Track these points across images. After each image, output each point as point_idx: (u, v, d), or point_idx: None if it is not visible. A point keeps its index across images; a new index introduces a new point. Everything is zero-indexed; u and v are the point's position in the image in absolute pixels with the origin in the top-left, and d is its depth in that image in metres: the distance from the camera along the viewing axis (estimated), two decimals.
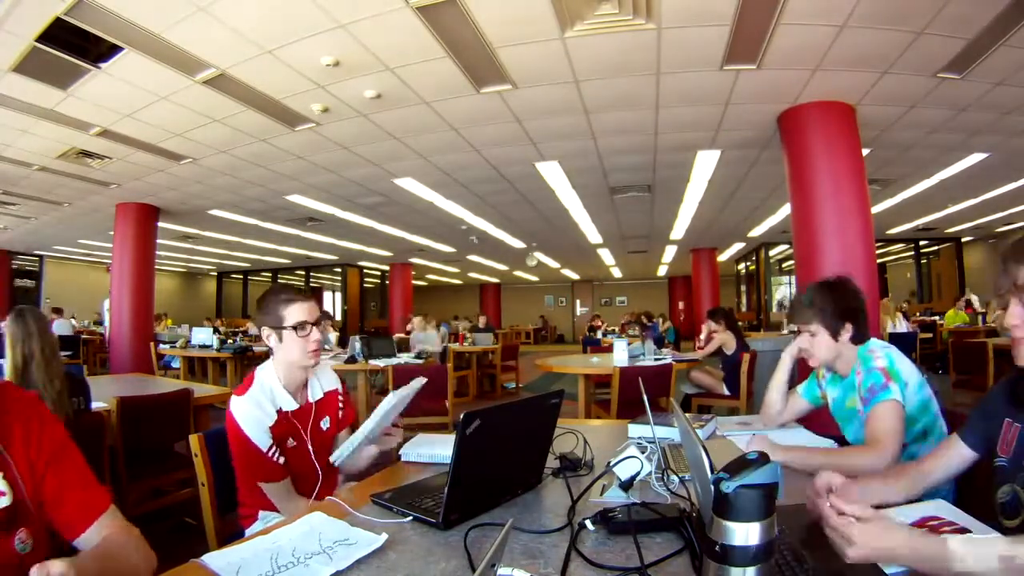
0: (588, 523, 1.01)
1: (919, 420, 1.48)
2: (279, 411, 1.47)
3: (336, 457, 1.45)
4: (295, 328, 1.49)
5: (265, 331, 1.52)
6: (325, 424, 1.60)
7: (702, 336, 5.39)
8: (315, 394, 1.61)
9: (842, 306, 1.58)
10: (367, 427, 1.42)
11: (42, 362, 2.00)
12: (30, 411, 0.89)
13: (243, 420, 1.41)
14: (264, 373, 1.51)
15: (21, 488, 0.83)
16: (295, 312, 1.50)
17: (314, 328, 1.52)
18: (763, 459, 0.70)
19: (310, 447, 1.54)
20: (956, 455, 1.16)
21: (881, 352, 1.53)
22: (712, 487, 0.70)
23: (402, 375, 4.37)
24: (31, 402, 0.91)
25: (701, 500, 1.03)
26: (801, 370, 1.81)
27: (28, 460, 0.85)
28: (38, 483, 0.86)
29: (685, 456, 1.49)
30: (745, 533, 0.66)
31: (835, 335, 1.59)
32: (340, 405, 1.68)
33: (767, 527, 0.67)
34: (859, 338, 1.59)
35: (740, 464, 0.70)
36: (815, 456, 1.41)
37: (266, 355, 1.56)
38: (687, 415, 1.29)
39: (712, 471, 0.67)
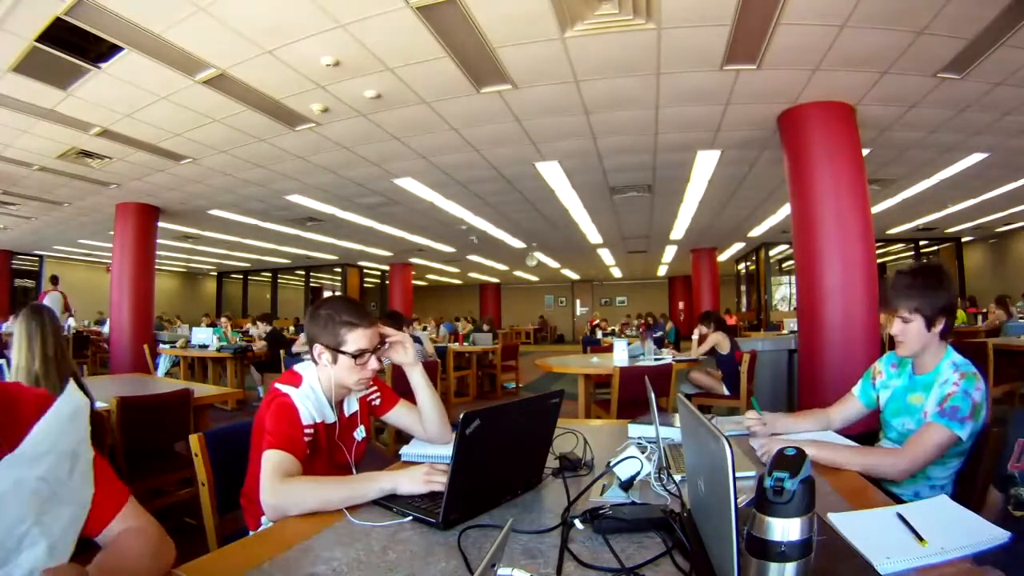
0: (577, 522, 1.01)
1: (957, 449, 1.47)
2: (320, 423, 1.40)
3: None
4: (354, 356, 1.39)
5: (318, 348, 1.41)
6: (360, 435, 1.53)
7: (695, 337, 5.43)
8: (351, 406, 1.52)
9: (944, 298, 1.53)
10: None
11: (54, 362, 1.99)
12: (40, 412, 0.85)
13: (296, 398, 1.35)
14: (311, 379, 1.41)
15: None
16: (358, 339, 1.40)
17: (372, 356, 1.42)
18: (801, 454, 0.71)
19: (351, 462, 1.48)
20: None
21: (982, 384, 1.47)
22: (757, 483, 0.71)
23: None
24: (41, 401, 0.86)
25: (692, 499, 1.03)
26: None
27: None
28: None
29: (683, 454, 1.49)
30: (794, 528, 0.68)
31: (930, 326, 1.53)
32: (371, 400, 1.59)
33: (810, 521, 0.69)
34: (945, 334, 1.56)
35: (789, 460, 0.71)
36: (840, 453, 1.41)
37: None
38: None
39: (733, 465, 0.67)
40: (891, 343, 1.64)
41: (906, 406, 1.60)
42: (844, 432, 1.73)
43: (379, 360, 1.45)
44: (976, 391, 1.44)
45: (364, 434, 1.55)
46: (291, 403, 1.34)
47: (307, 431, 1.34)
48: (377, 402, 1.62)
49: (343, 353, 1.39)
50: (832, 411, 1.79)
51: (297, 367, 1.47)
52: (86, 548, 0.88)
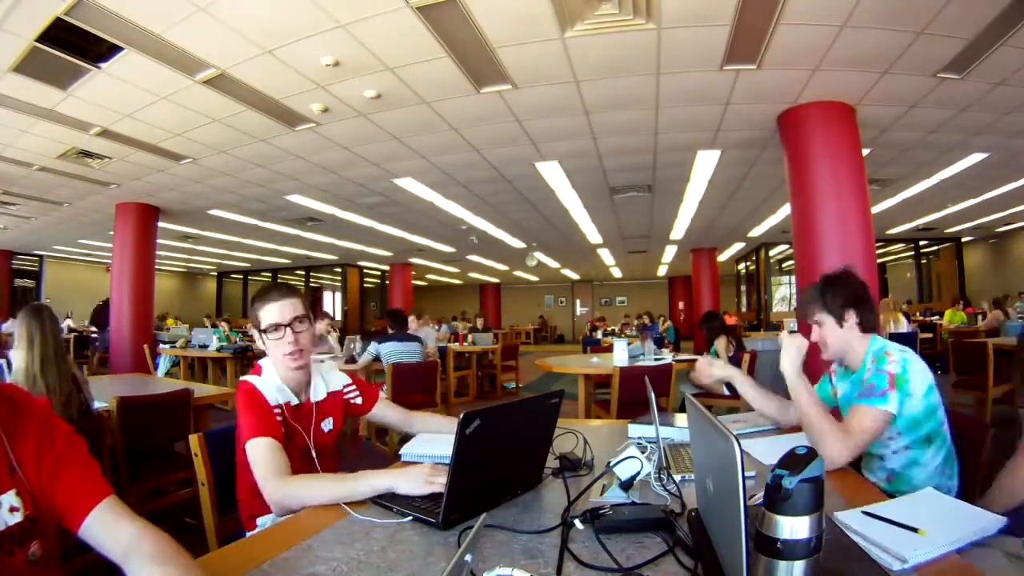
0: (577, 522, 1.01)
1: (924, 425, 1.47)
2: (287, 404, 1.46)
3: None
4: (266, 332, 1.44)
5: (255, 334, 1.51)
6: (327, 426, 1.55)
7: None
8: (318, 394, 1.55)
9: (844, 293, 1.60)
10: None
11: (54, 363, 1.98)
12: (42, 421, 0.90)
13: (258, 383, 1.42)
14: (268, 368, 1.50)
15: (33, 502, 0.84)
16: (267, 314, 1.45)
17: (288, 330, 1.44)
18: (812, 454, 0.72)
19: (312, 449, 1.49)
20: None
21: (897, 356, 1.49)
22: (767, 482, 0.71)
23: (403, 374, 4.37)
24: (43, 410, 0.92)
25: (700, 499, 1.03)
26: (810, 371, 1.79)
27: (39, 473, 0.86)
28: (48, 491, 0.86)
29: (691, 453, 1.49)
30: (804, 526, 0.68)
31: (840, 322, 1.60)
32: (349, 397, 1.64)
33: (818, 520, 0.69)
34: (865, 326, 1.60)
35: (795, 459, 0.71)
36: (807, 407, 1.47)
37: (264, 354, 1.54)
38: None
39: (743, 464, 0.68)
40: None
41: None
42: None
43: (295, 333, 1.44)
44: (891, 364, 1.47)
45: (332, 426, 1.57)
46: (255, 388, 1.41)
47: (276, 412, 1.40)
48: (358, 400, 1.65)
49: (261, 332, 1.46)
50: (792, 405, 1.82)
51: (260, 360, 1.53)
52: (76, 550, 0.88)
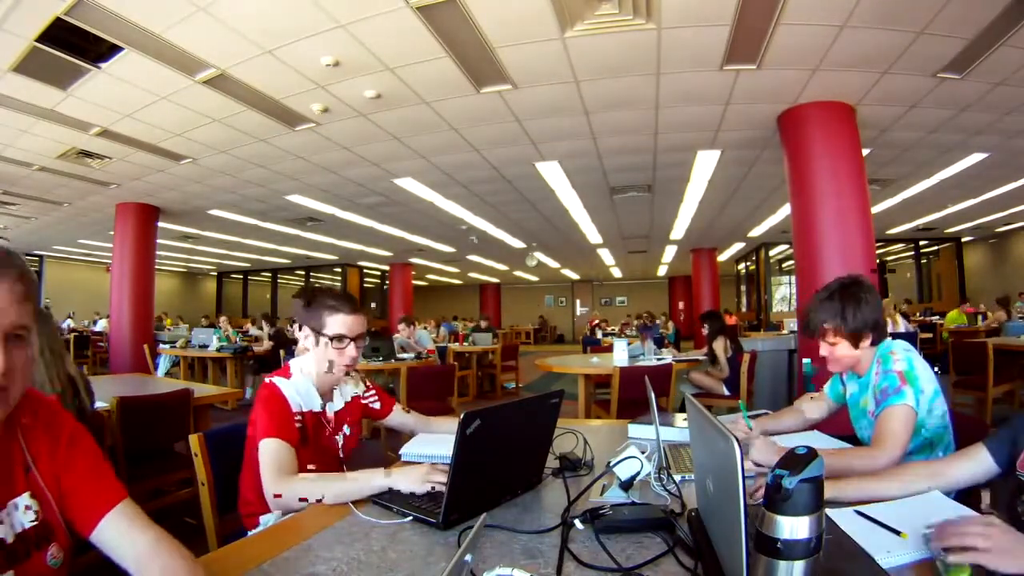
0: (577, 522, 1.01)
1: (926, 427, 1.47)
2: (308, 412, 1.46)
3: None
4: (332, 339, 1.46)
5: (305, 330, 1.50)
6: (346, 430, 1.59)
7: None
8: (344, 397, 1.60)
9: (866, 318, 1.50)
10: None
11: (41, 364, 1.99)
12: (51, 418, 0.88)
13: (284, 386, 1.42)
14: (299, 369, 1.49)
15: (50, 503, 0.83)
16: (337, 323, 1.47)
17: (352, 344, 1.48)
18: (812, 453, 0.72)
19: (335, 449, 1.53)
20: (982, 465, 1.15)
21: (902, 355, 1.48)
22: (767, 482, 0.72)
23: (412, 376, 4.36)
24: (52, 407, 0.90)
25: (700, 499, 1.03)
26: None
27: (53, 471, 0.84)
28: (59, 489, 0.84)
29: (691, 453, 1.49)
30: (804, 526, 0.69)
31: (856, 344, 1.53)
32: (368, 402, 1.69)
33: (818, 520, 0.69)
34: (877, 342, 1.56)
35: (795, 459, 0.71)
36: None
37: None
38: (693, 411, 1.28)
39: (742, 464, 0.68)
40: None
41: (862, 411, 1.64)
42: (829, 431, 1.74)
43: (358, 349, 1.50)
44: (895, 363, 1.46)
45: (350, 431, 1.61)
46: (280, 392, 1.41)
47: (296, 419, 1.40)
48: (377, 405, 1.71)
49: (323, 335, 1.47)
50: (805, 406, 1.83)
51: (290, 361, 1.54)
52: (84, 549, 0.88)
